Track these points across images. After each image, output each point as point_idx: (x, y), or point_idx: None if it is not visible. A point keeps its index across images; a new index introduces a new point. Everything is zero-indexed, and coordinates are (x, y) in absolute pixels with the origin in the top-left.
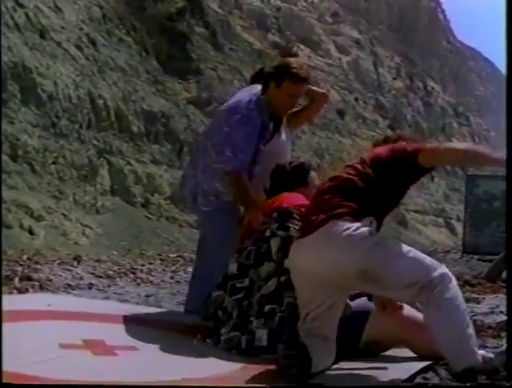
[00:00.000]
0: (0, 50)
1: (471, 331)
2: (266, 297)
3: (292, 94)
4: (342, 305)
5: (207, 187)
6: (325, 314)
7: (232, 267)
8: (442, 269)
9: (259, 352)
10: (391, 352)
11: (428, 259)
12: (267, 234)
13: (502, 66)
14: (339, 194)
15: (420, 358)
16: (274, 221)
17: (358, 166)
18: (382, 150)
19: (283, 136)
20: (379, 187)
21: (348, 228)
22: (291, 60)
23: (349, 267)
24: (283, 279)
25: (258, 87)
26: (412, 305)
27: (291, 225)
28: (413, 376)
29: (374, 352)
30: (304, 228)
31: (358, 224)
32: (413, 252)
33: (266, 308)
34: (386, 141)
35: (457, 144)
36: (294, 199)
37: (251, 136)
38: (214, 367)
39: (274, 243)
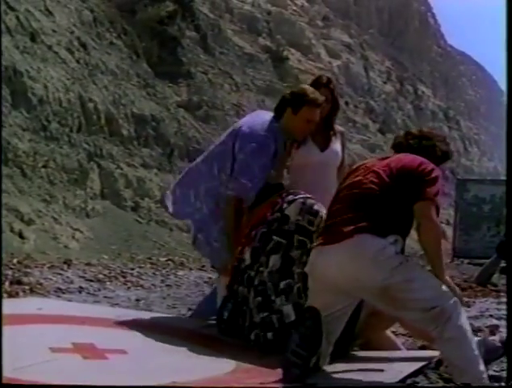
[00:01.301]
0: (0, 50)
1: (477, 352)
2: (276, 273)
3: (310, 120)
4: (350, 312)
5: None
6: (334, 320)
7: (246, 256)
8: (454, 297)
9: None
10: (382, 356)
11: (444, 286)
12: (285, 205)
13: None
14: (363, 204)
15: (410, 362)
16: (286, 196)
17: (383, 175)
18: (410, 165)
19: (335, 146)
20: (404, 204)
21: (375, 245)
22: (306, 87)
23: (373, 283)
24: (293, 254)
25: (268, 113)
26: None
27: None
28: (403, 380)
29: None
30: (326, 234)
31: (384, 242)
32: (432, 277)
33: (282, 284)
34: (407, 136)
35: (439, 245)
36: None
37: (266, 166)
38: (204, 370)
39: (295, 207)
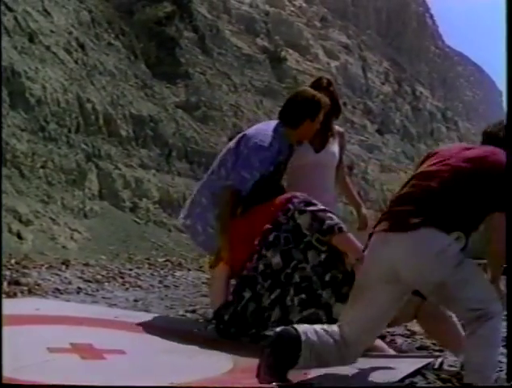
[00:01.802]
0: (0, 50)
1: (497, 360)
2: (319, 266)
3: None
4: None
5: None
6: (378, 312)
7: (277, 259)
8: (500, 301)
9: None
10: (380, 355)
11: (492, 288)
12: (296, 214)
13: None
14: (433, 197)
15: (408, 362)
16: (297, 203)
17: (460, 172)
18: (493, 169)
19: (332, 147)
20: (476, 205)
21: (441, 241)
22: (315, 93)
23: (432, 279)
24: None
25: (273, 122)
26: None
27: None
28: (402, 380)
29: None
30: (392, 220)
31: (449, 239)
32: (485, 280)
33: (327, 277)
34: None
35: (504, 255)
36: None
37: (267, 160)
38: (201, 370)
39: (306, 218)
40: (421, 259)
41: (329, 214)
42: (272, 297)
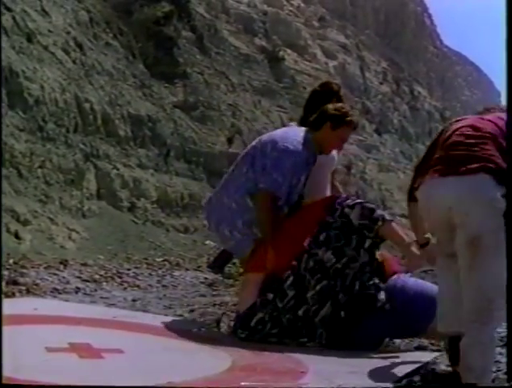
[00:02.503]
0: (0, 50)
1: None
2: (367, 265)
3: (344, 139)
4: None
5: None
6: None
7: (329, 255)
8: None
9: None
10: (378, 355)
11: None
12: (346, 210)
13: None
14: (491, 145)
15: (406, 363)
16: (343, 201)
17: (495, 122)
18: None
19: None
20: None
21: (495, 191)
22: (347, 107)
23: (477, 225)
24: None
25: (299, 127)
26: None
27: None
28: (400, 380)
29: None
30: (445, 165)
31: (502, 190)
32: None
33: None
34: None
35: None
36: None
37: (298, 165)
38: (200, 369)
39: (357, 210)
40: (473, 201)
41: (376, 205)
42: (317, 288)
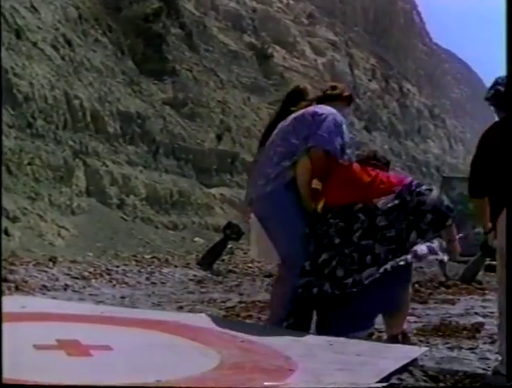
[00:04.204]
0: (0, 50)
1: None
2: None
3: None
4: None
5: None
6: None
7: (381, 220)
8: None
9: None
10: (367, 352)
11: None
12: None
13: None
14: None
15: (395, 359)
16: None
17: None
18: None
19: None
20: None
21: None
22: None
23: None
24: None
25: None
26: None
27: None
28: (388, 377)
29: None
30: None
31: None
32: None
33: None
34: None
35: None
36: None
37: (337, 125)
38: (188, 367)
39: (434, 195)
40: None
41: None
42: (363, 243)
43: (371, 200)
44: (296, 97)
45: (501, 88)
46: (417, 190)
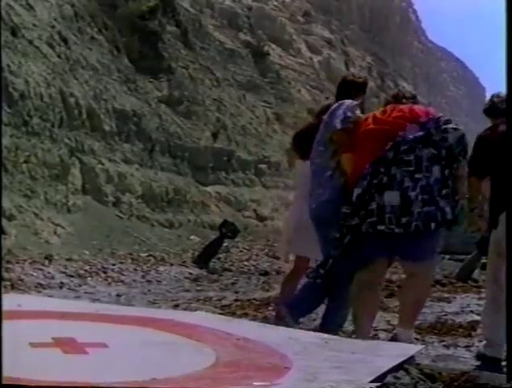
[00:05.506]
0: (0, 50)
1: None
2: (439, 182)
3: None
4: None
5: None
6: None
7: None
8: None
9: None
10: (363, 350)
11: None
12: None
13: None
14: None
15: (391, 356)
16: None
17: None
18: None
19: None
20: None
21: None
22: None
23: None
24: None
25: None
26: None
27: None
28: (384, 375)
29: None
30: None
31: None
32: None
33: (444, 191)
34: None
35: None
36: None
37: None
38: (183, 365)
39: (457, 134)
40: None
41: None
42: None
43: (397, 133)
44: (347, 88)
45: (496, 100)
46: (444, 127)
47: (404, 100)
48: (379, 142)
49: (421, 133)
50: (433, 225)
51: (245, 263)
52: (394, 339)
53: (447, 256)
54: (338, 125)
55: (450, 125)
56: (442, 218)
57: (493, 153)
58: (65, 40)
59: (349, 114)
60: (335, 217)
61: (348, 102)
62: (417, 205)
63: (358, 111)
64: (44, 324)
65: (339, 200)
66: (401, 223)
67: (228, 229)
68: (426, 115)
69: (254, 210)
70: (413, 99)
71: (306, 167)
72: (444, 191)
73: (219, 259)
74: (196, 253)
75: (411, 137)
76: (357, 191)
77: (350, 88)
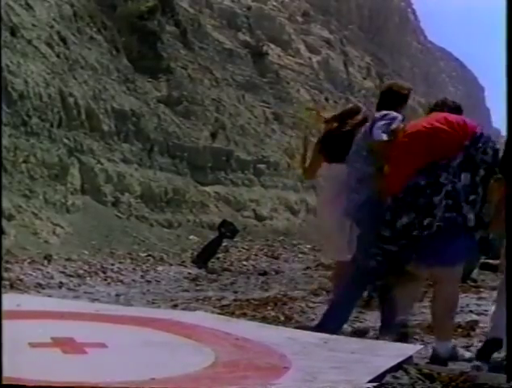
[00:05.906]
0: (0, 50)
1: None
2: (468, 187)
3: None
4: None
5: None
6: None
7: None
8: None
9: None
10: (362, 349)
11: None
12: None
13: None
14: None
15: (390, 355)
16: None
17: None
18: None
19: None
20: None
21: None
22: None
23: None
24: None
25: None
26: None
27: None
28: (383, 374)
29: None
30: None
31: None
32: None
33: (471, 197)
34: None
35: None
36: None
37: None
38: (182, 365)
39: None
40: None
41: None
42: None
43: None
44: (391, 99)
45: None
46: (483, 148)
47: (446, 109)
48: (419, 160)
49: (462, 158)
50: (453, 229)
51: (244, 262)
52: (434, 355)
53: None
54: (384, 137)
55: (489, 145)
56: (463, 223)
57: None
58: (64, 40)
59: (394, 126)
60: (373, 219)
61: (394, 114)
62: (439, 210)
63: (402, 125)
64: (44, 324)
65: (377, 204)
66: (424, 225)
67: (227, 229)
68: (471, 137)
69: (253, 210)
70: (458, 109)
71: (332, 170)
72: (471, 198)
73: (218, 258)
74: (195, 253)
75: (454, 165)
76: (401, 222)
77: (394, 99)
